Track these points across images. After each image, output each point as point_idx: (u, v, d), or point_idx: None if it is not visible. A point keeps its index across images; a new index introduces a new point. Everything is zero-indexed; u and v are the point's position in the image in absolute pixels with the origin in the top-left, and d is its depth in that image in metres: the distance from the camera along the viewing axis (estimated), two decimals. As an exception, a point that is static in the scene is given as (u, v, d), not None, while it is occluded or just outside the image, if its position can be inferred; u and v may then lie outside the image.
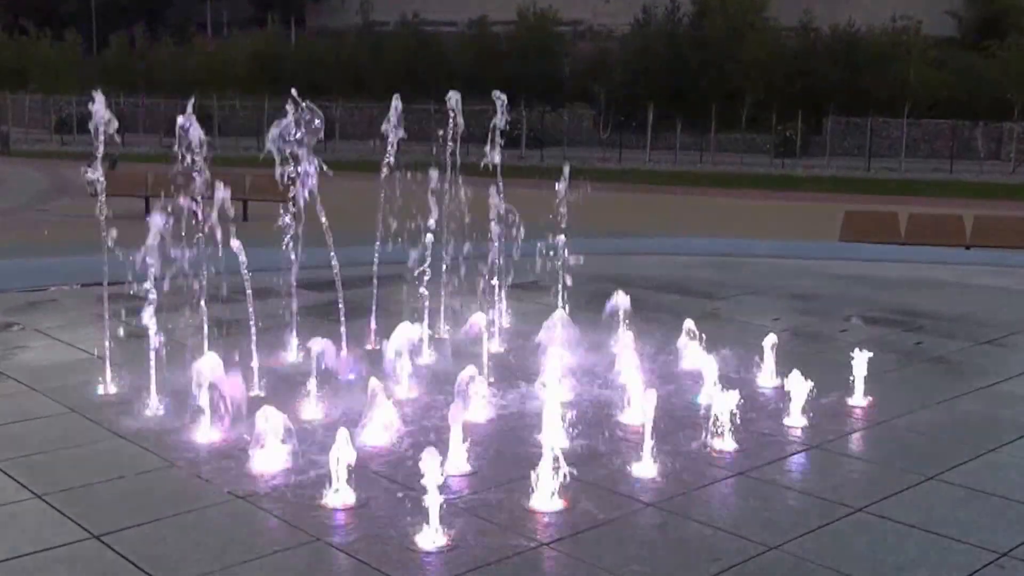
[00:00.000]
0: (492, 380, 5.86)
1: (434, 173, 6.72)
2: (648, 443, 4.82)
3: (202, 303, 5.89)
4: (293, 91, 5.99)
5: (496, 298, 7.15)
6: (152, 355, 5.69)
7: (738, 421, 5.30)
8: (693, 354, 6.40)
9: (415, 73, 49.89)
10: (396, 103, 6.65)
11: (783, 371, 6.26)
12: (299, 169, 5.94)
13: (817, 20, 49.74)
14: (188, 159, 5.70)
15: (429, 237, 6.52)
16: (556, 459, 4.30)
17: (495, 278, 7.03)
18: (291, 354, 6.63)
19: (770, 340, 6.28)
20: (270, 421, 4.71)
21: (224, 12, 67.64)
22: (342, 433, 4.33)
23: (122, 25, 59.88)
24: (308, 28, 63.98)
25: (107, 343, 6.12)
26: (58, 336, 7.46)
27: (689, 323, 6.60)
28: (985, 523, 4.35)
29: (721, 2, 49.08)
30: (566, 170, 7.31)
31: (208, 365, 5.17)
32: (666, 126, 42.49)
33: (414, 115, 47.52)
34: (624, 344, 6.01)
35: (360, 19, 59.08)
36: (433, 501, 3.93)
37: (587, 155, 39.35)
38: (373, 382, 5.18)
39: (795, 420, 5.60)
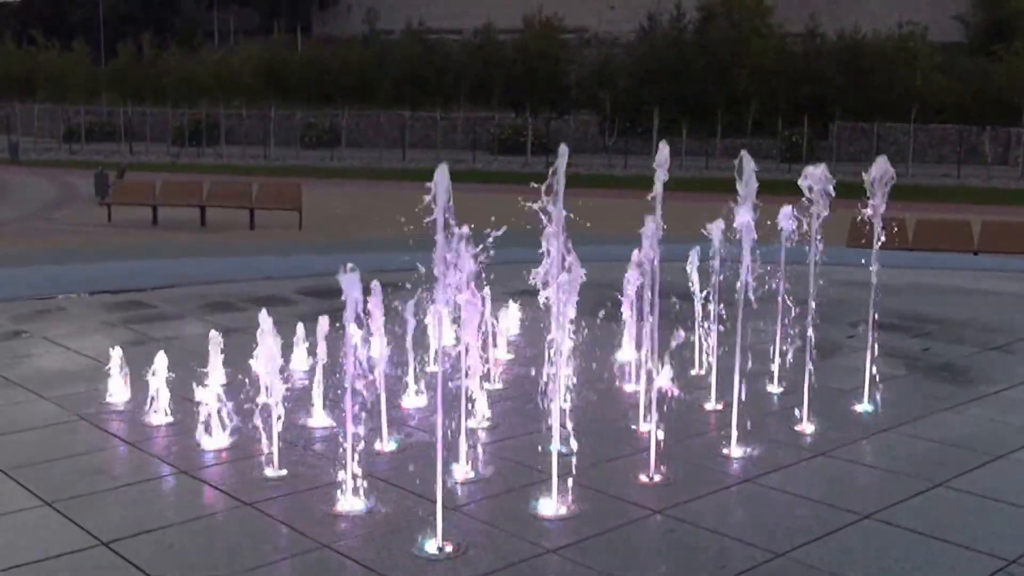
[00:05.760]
0: None
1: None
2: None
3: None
4: None
5: None
6: (160, 362, 5.71)
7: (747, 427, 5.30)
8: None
9: (421, 80, 50.00)
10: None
11: (790, 377, 6.27)
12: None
13: (823, 26, 49.69)
14: None
15: None
16: None
17: None
18: None
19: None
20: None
21: (231, 20, 67.90)
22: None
23: (129, 34, 60.12)
24: (314, 36, 64.18)
25: (114, 351, 6.13)
26: (66, 344, 7.49)
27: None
28: (993, 530, 4.33)
29: (726, 8, 49.07)
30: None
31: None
32: (672, 132, 42.46)
33: (420, 122, 47.88)
34: None
35: (366, 27, 59.24)
36: None
37: (592, 161, 39.37)
38: None
39: (803, 426, 5.60)
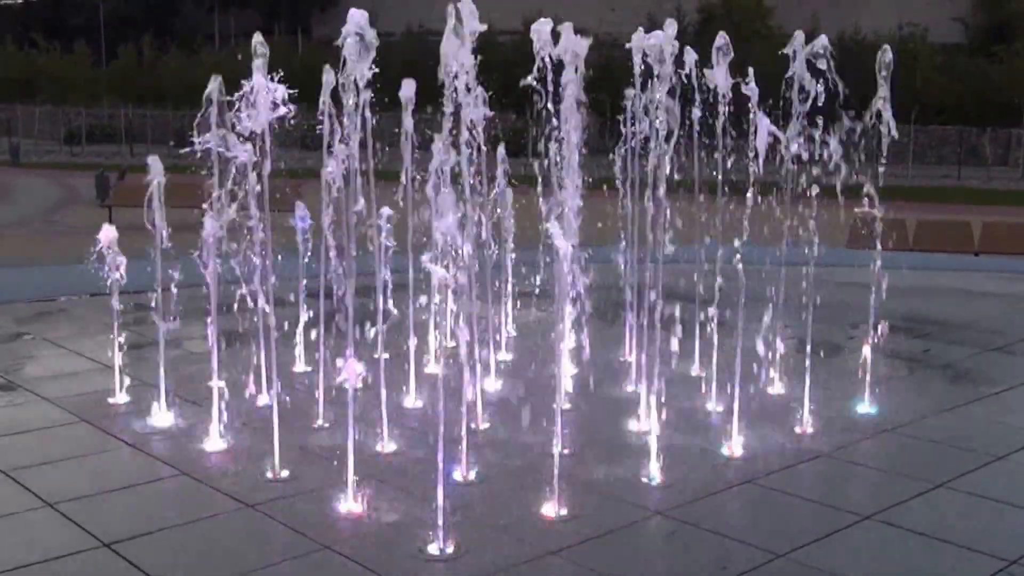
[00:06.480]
0: None
1: None
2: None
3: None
4: None
5: None
6: (161, 363, 5.72)
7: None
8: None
9: (421, 82, 49.99)
10: None
11: (791, 379, 6.27)
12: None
13: (823, 28, 49.68)
14: None
15: None
16: None
17: None
18: None
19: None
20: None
21: (231, 23, 67.96)
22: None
23: (130, 37, 60.17)
24: (314, 39, 64.23)
25: (116, 352, 6.14)
26: (67, 345, 7.49)
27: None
28: (994, 531, 4.34)
29: (726, 10, 49.08)
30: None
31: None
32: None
33: (421, 124, 47.83)
34: None
35: (366, 29, 59.30)
36: None
37: (592, 163, 39.39)
38: None
39: (803, 427, 5.60)
